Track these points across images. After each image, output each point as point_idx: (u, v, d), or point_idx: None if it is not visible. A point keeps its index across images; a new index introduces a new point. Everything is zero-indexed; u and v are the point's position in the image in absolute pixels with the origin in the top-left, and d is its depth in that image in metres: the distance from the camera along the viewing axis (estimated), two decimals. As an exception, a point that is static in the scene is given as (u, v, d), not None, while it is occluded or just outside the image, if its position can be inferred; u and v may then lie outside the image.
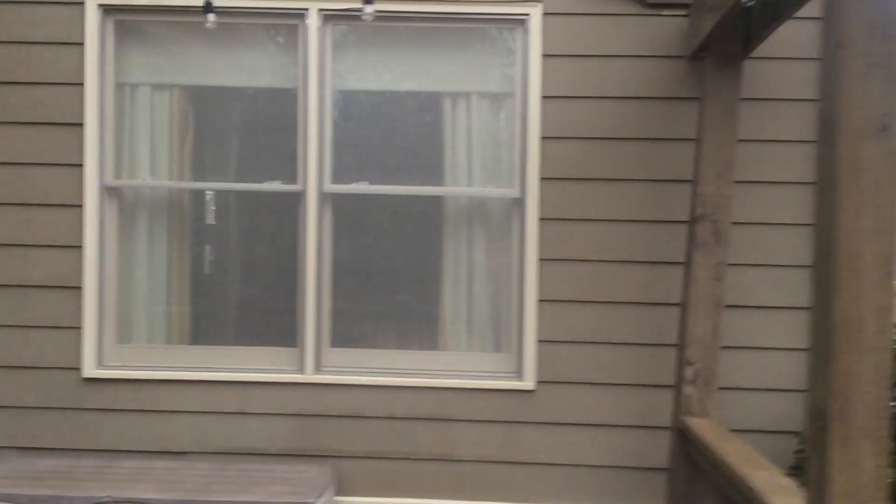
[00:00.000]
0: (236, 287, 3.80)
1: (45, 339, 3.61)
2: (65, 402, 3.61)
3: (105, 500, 3.06)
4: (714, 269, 3.13)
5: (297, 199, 3.67)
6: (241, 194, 3.78)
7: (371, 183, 3.70)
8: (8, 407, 3.61)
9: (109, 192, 3.68)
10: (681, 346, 3.21)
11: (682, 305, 3.21)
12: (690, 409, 3.14)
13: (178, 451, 3.61)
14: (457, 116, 3.72)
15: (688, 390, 3.14)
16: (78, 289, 3.60)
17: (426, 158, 3.74)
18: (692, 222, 3.18)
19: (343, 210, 3.72)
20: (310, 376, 3.62)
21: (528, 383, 3.58)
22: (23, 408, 3.61)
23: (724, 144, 3.17)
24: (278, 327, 3.71)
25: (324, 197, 3.66)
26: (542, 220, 3.57)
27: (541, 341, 3.57)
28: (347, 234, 3.73)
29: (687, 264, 3.21)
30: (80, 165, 3.60)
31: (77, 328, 3.60)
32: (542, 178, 3.57)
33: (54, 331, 3.61)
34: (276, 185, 3.71)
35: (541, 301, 3.57)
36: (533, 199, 3.58)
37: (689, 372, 3.14)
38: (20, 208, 3.61)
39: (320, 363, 3.66)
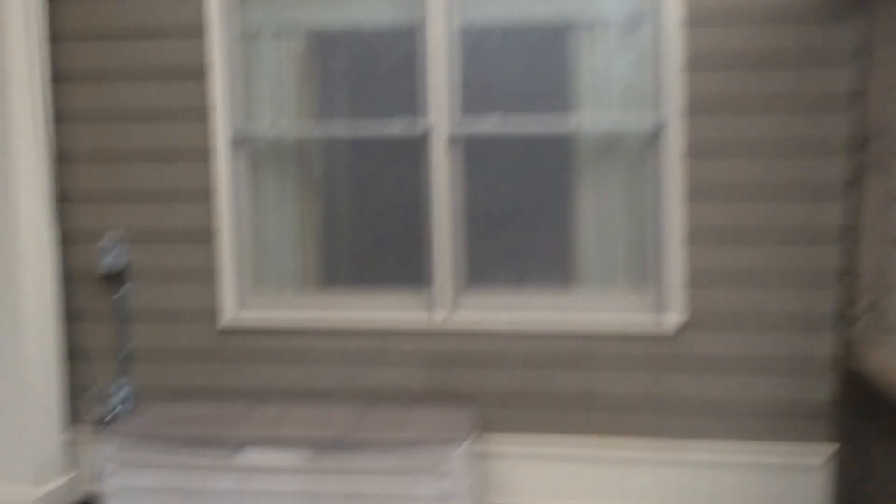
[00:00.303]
0: (367, 232, 3.75)
1: (184, 288, 3.66)
2: (206, 350, 3.67)
3: (256, 440, 3.09)
4: (886, 196, 2.88)
5: (424, 140, 3.57)
6: (366, 138, 3.70)
7: (500, 120, 3.57)
8: (154, 355, 3.70)
9: (238, 140, 3.66)
10: (849, 280, 2.98)
11: (852, 236, 2.98)
12: (860, 347, 2.93)
13: (319, 395, 3.62)
14: (589, 47, 3.53)
15: (858, 327, 2.92)
16: (213, 238, 3.62)
17: (557, 92, 3.57)
18: (862, 145, 2.93)
19: (471, 149, 3.60)
20: (444, 319, 3.56)
21: (673, 324, 3.41)
22: (167, 356, 3.69)
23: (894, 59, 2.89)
24: (411, 271, 3.65)
25: (451, 137, 3.55)
26: (684, 153, 3.36)
27: (685, 281, 3.40)
28: (476, 174, 3.62)
29: (857, 191, 2.96)
30: (208, 116, 3.59)
31: (214, 277, 3.64)
32: (684, 109, 3.35)
33: (192, 280, 3.65)
34: (401, 127, 3.61)
35: (684, 239, 3.38)
36: (674, 132, 3.37)
37: (858, 308, 2.91)
38: (152, 161, 3.64)
39: (455, 306, 3.59)
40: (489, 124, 3.56)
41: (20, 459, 3.48)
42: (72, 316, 3.72)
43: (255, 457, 3.08)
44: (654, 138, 3.46)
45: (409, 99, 3.60)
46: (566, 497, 3.51)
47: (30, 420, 3.49)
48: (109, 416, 3.67)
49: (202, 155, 3.60)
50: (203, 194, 3.61)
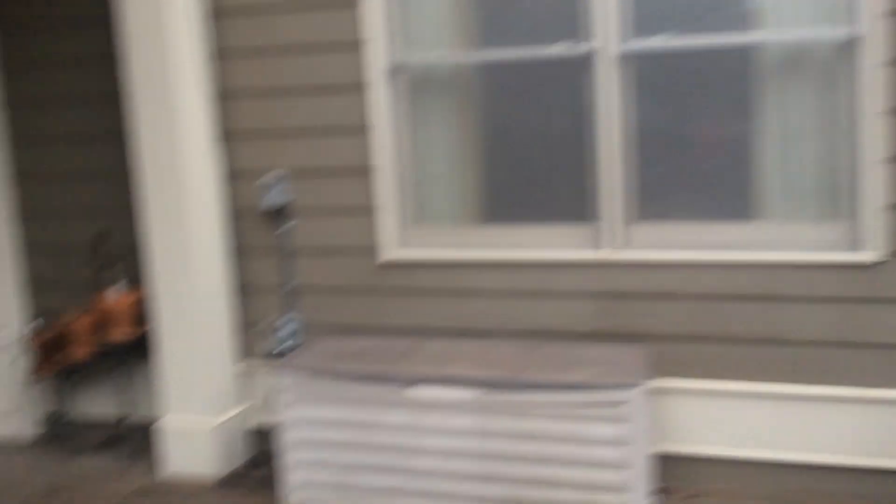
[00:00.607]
0: (528, 162, 3.59)
1: (345, 223, 3.64)
2: (369, 284, 3.65)
3: (427, 377, 3.05)
4: None
5: (588, 61, 3.34)
6: (526, 61, 3.50)
7: (671, 36, 3.28)
8: (318, 290, 3.72)
9: (394, 69, 3.55)
10: None
11: None
12: None
13: (481, 332, 3.55)
14: (774, -52, 3.17)
15: None
16: (371, 171, 3.56)
17: (734, 0, 3.24)
18: None
19: (641, 69, 3.34)
20: (612, 254, 3.38)
21: (871, 255, 3.09)
22: (331, 290, 3.71)
23: None
24: (576, 203, 3.47)
25: (618, 56, 3.30)
26: (886, 63, 2.99)
27: (887, 206, 3.05)
28: (646, 96, 3.36)
29: None
30: (363, 44, 3.49)
31: (373, 211, 3.59)
32: (885, 12, 2.96)
33: (352, 215, 3.62)
34: (564, 48, 3.39)
35: (886, 159, 3.03)
36: (873, 38, 2.99)
37: None
38: (309, 94, 3.59)
39: (623, 240, 3.40)
40: (661, 40, 3.28)
41: (197, 391, 3.62)
42: (240, 252, 3.79)
43: (426, 393, 3.05)
44: (848, 46, 3.09)
45: (574, 16, 3.36)
46: (746, 445, 3.30)
47: (205, 353, 3.61)
48: (278, 350, 3.75)
49: (359, 87, 3.52)
50: (361, 128, 3.54)
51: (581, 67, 3.38)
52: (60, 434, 4.03)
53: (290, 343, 3.74)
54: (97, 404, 4.06)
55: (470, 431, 3.02)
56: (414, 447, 3.08)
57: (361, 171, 3.57)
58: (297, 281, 3.74)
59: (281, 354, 3.74)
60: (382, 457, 3.13)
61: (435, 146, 3.67)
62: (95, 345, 3.79)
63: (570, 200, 3.49)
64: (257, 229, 3.75)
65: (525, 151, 3.59)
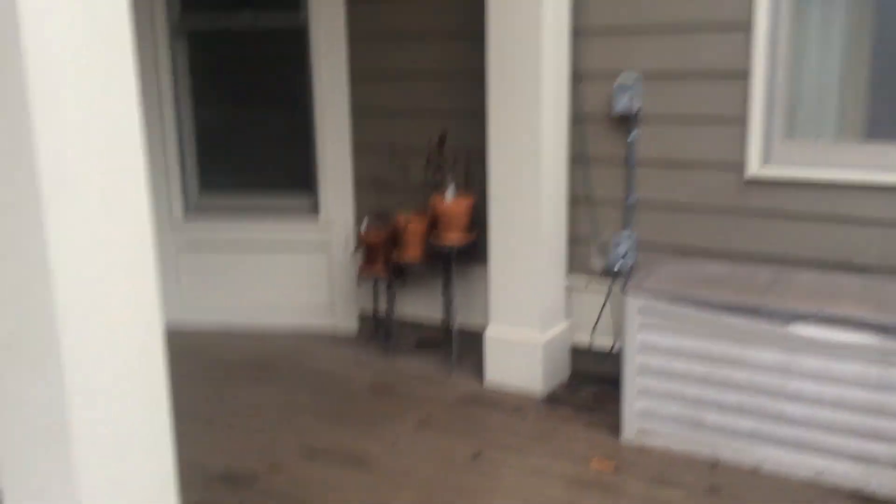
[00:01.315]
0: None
1: (705, 133, 3.25)
2: (725, 203, 3.27)
3: (811, 314, 2.66)
4: None
5: None
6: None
7: None
8: (661, 206, 3.40)
9: (781, -44, 3.05)
10: None
11: None
12: None
13: (858, 266, 3.06)
14: None
15: None
16: (745, 77, 3.12)
17: None
18: None
19: None
20: None
21: None
22: (676, 207, 3.37)
23: None
24: None
25: None
26: None
27: None
28: None
29: None
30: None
31: (742, 121, 3.17)
32: None
33: (715, 124, 3.23)
34: None
35: None
36: None
37: None
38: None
39: None
40: None
41: (526, 303, 3.49)
42: (578, 160, 3.54)
43: (809, 332, 2.66)
44: None
45: None
46: None
47: (537, 265, 3.46)
48: (613, 268, 3.51)
49: (739, -23, 3.07)
50: (735, 24, 3.10)
51: None
52: (382, 332, 4.11)
53: (624, 261, 3.49)
54: (420, 306, 4.09)
55: (860, 381, 2.61)
56: (787, 391, 2.72)
57: (730, 75, 3.15)
58: (638, 195, 3.44)
59: (616, 273, 3.50)
60: (745, 397, 2.80)
61: (815, 48, 3.15)
62: (426, 247, 3.77)
63: None
64: (599, 136, 3.47)
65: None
